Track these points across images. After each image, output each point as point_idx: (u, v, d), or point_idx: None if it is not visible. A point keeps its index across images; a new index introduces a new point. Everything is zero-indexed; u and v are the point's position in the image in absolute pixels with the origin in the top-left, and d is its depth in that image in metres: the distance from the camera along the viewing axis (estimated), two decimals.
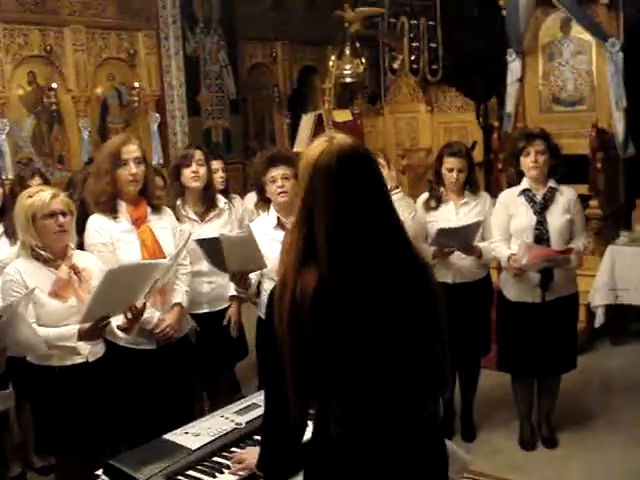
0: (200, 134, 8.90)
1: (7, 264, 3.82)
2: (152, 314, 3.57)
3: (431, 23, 8.31)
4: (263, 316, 3.87)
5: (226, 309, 4.18)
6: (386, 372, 1.81)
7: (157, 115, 8.71)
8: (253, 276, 3.78)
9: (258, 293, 3.97)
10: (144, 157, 3.70)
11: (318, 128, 7.09)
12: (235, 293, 4.10)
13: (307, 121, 7.21)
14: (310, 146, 1.91)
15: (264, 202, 4.06)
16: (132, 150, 3.61)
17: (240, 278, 3.67)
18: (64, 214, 3.25)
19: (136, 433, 3.44)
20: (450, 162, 4.32)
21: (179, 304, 3.74)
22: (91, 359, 3.31)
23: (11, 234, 4.21)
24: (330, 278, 1.76)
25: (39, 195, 3.24)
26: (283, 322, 1.78)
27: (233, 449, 2.42)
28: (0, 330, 2.60)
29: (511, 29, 7.38)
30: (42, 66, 7.89)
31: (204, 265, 4.02)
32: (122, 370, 3.50)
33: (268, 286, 3.87)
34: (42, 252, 3.25)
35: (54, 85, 7.76)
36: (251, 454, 2.23)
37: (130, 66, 8.65)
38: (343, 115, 7.19)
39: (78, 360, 3.26)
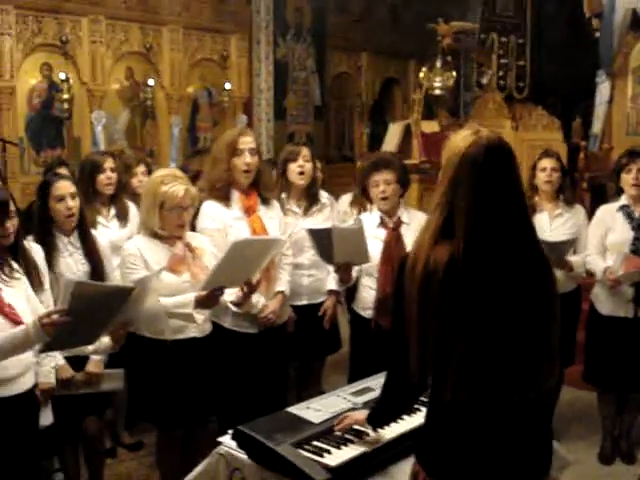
0: (284, 137, 9.09)
1: (118, 245, 4.05)
2: (258, 299, 3.74)
3: (520, 41, 8.35)
4: (361, 312, 4.05)
5: (323, 302, 4.31)
6: (503, 346, 1.92)
7: (245, 117, 8.94)
8: (353, 272, 3.91)
9: (355, 288, 4.10)
10: (258, 150, 3.88)
11: (406, 137, 7.20)
12: (334, 287, 4.23)
13: (395, 130, 7.32)
14: (456, 136, 2.04)
15: (367, 201, 4.21)
16: (248, 141, 3.81)
17: (344, 270, 3.80)
18: (189, 210, 3.43)
19: (232, 410, 3.62)
20: (543, 162, 4.44)
21: (282, 292, 3.91)
22: (200, 335, 3.48)
23: (122, 217, 4.44)
24: (462, 256, 1.90)
25: (174, 187, 3.38)
26: (413, 289, 1.92)
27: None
28: (130, 303, 2.73)
29: (603, 51, 7.40)
30: (140, 63, 8.20)
31: (305, 258, 4.19)
32: (225, 350, 3.68)
33: (367, 282, 4.00)
34: (160, 231, 3.42)
35: (150, 81, 8.02)
36: (358, 413, 2.44)
37: (222, 68, 8.91)
38: (431, 126, 7.29)
39: (190, 334, 3.43)
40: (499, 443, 1.96)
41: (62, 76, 7.18)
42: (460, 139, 2.01)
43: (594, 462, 4.41)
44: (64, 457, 3.77)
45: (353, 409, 2.63)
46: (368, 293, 4.00)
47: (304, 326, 4.22)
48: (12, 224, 3.11)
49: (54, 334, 2.53)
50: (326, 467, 2.25)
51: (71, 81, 7.32)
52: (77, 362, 3.52)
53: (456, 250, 1.90)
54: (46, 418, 3.25)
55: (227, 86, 8.75)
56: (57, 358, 3.38)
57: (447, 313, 1.90)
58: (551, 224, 4.44)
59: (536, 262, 2.00)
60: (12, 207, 3.17)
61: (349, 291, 4.23)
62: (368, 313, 4.00)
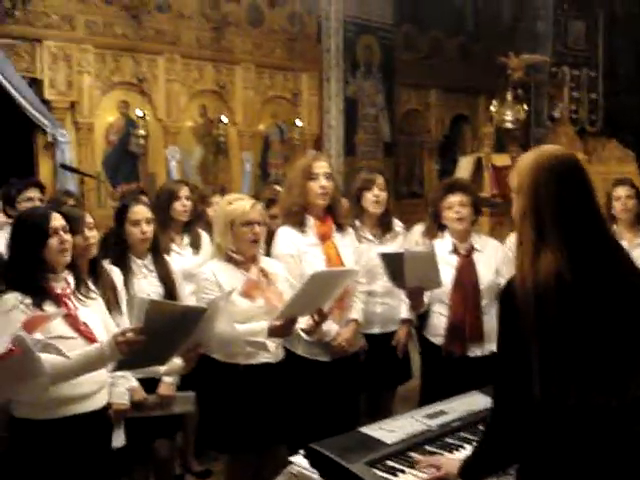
0: (354, 173, 9.11)
1: (191, 273, 4.10)
2: (331, 327, 3.71)
3: (593, 74, 8.24)
4: (432, 338, 3.99)
5: (396, 331, 4.26)
6: (614, 353, 1.91)
7: (314, 152, 8.99)
8: (424, 298, 3.86)
9: (427, 315, 4.05)
10: (333, 176, 3.90)
11: (476, 171, 7.14)
12: (407, 316, 4.18)
13: (466, 163, 7.28)
14: (524, 156, 2.10)
15: (439, 229, 4.17)
16: (323, 165, 3.84)
17: (416, 296, 3.75)
18: (259, 224, 3.45)
19: (303, 438, 3.58)
20: (618, 190, 4.36)
21: (355, 320, 3.88)
22: (273, 361, 3.47)
23: (195, 245, 4.50)
24: (567, 263, 1.91)
25: (240, 203, 3.45)
26: (529, 304, 1.89)
27: (427, 447, 2.47)
28: (202, 324, 2.74)
29: None
30: (213, 100, 8.38)
31: (379, 286, 4.16)
32: (297, 377, 3.65)
33: (438, 309, 3.96)
34: (235, 255, 3.45)
35: (223, 119, 8.18)
36: (450, 463, 2.26)
37: (293, 105, 9.04)
38: (502, 159, 7.21)
39: (263, 360, 3.42)
40: (616, 466, 1.91)
41: (139, 113, 7.39)
42: (527, 157, 2.08)
43: None
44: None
45: (427, 431, 2.57)
46: (439, 320, 3.95)
47: (376, 355, 4.17)
48: (92, 235, 3.20)
49: (128, 353, 2.57)
50: None
51: (147, 118, 7.52)
52: (149, 384, 3.55)
53: (560, 261, 1.91)
54: (119, 439, 3.27)
55: (298, 123, 8.85)
56: (131, 380, 3.43)
57: (566, 321, 1.90)
58: (631, 253, 4.30)
59: (632, 271, 2.03)
60: (90, 219, 3.27)
61: (420, 319, 4.19)
62: (439, 340, 3.95)
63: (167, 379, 3.55)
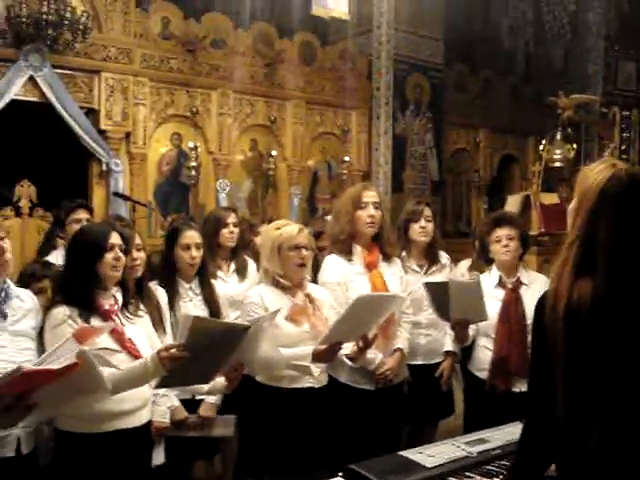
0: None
1: (236, 300, 4.15)
2: (375, 355, 3.71)
3: None
4: (477, 372, 3.95)
5: (439, 363, 4.23)
6: None
7: None
8: (470, 331, 3.84)
9: (471, 349, 4.01)
10: (382, 205, 3.93)
11: (524, 210, 7.10)
12: (451, 348, 4.15)
13: (514, 201, 7.25)
14: (592, 169, 1.99)
15: (485, 262, 4.16)
16: (372, 195, 3.88)
17: (461, 327, 3.73)
18: (306, 248, 3.48)
19: (343, 465, 3.56)
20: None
21: (400, 349, 3.86)
22: (317, 386, 3.47)
23: (241, 272, 4.54)
24: (606, 290, 1.83)
25: (287, 228, 3.49)
26: (558, 327, 1.85)
27: (467, 473, 2.44)
28: (245, 343, 2.77)
29: None
30: (264, 135, 8.52)
31: (424, 317, 4.15)
32: (340, 404, 3.64)
33: (483, 342, 3.93)
34: (282, 280, 3.48)
35: (274, 153, 8.30)
36: None
37: (342, 141, 9.14)
38: (550, 198, 7.17)
39: (306, 384, 3.43)
40: None
41: (191, 145, 7.55)
42: (597, 172, 1.94)
43: None
44: None
45: (467, 457, 2.54)
46: (484, 353, 3.91)
47: (418, 387, 4.14)
48: (140, 257, 3.27)
49: (171, 369, 2.60)
50: None
51: (199, 150, 7.66)
52: (191, 405, 3.58)
53: (600, 286, 1.84)
54: (158, 457, 3.31)
55: (346, 159, 8.93)
56: (172, 399, 3.46)
57: (595, 351, 1.83)
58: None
59: None
60: (139, 241, 3.34)
61: (464, 353, 4.16)
62: (484, 374, 3.90)
63: (209, 399, 3.57)
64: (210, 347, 2.63)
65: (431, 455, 2.53)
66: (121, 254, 2.92)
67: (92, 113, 7.23)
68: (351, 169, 9.04)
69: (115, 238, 2.92)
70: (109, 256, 2.86)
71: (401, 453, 2.57)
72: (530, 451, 2.02)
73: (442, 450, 2.59)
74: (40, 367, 2.42)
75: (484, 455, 2.56)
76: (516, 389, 3.84)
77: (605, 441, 1.81)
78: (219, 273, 4.39)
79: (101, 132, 7.20)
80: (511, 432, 2.77)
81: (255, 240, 5.02)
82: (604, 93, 8.08)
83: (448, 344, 4.16)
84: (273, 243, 3.47)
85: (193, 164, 7.65)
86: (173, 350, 2.58)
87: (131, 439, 2.90)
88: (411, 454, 2.54)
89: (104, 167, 7.16)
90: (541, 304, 1.95)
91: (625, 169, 1.94)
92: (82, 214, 4.41)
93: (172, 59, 7.64)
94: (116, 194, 6.72)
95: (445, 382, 4.23)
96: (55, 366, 2.32)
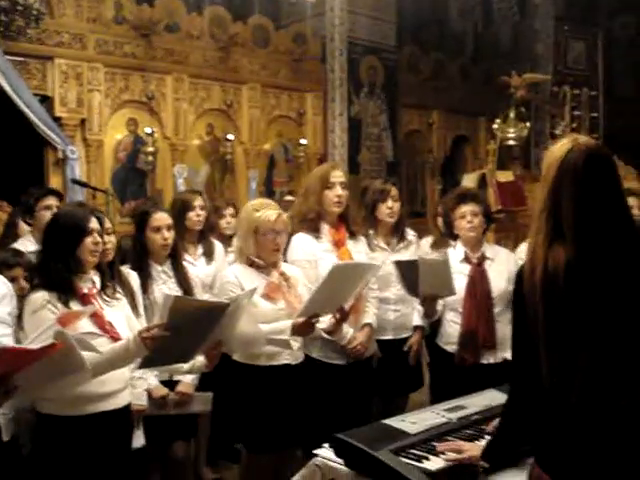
0: (358, 192, 9.20)
1: (204, 282, 4.18)
2: (347, 330, 3.78)
3: (593, 93, 8.38)
4: (445, 346, 4.06)
5: (408, 338, 4.32)
6: (623, 347, 1.93)
7: None
8: (438, 306, 3.94)
9: (439, 324, 4.12)
10: (348, 185, 4.00)
11: (481, 188, 7.23)
12: (419, 323, 4.25)
13: (470, 180, 7.39)
14: (555, 145, 2.11)
15: (451, 238, 4.26)
16: (339, 175, 3.95)
17: (430, 303, 3.83)
18: (282, 234, 3.54)
19: (317, 439, 3.63)
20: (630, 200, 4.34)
21: (369, 324, 3.96)
22: (293, 362, 3.53)
23: (209, 255, 4.57)
24: (577, 256, 1.95)
25: (266, 212, 3.52)
26: (536, 292, 1.96)
27: (449, 437, 2.53)
28: (225, 321, 2.81)
29: None
30: (220, 119, 8.48)
31: (392, 293, 4.24)
32: (313, 380, 3.71)
33: (451, 317, 4.03)
34: (256, 260, 3.53)
35: (230, 137, 8.28)
36: (472, 447, 2.35)
37: (298, 124, 9.14)
38: (506, 175, 7.32)
39: (283, 361, 3.49)
40: (622, 449, 1.94)
41: (148, 130, 7.48)
42: (559, 146, 2.07)
43: None
44: None
45: (448, 423, 2.63)
46: (452, 328, 4.03)
47: (388, 361, 4.24)
48: (111, 240, 3.28)
49: (153, 349, 2.63)
50: (426, 472, 2.25)
51: (155, 135, 7.61)
52: (168, 385, 3.62)
53: (570, 253, 1.95)
54: (138, 440, 3.34)
55: (303, 142, 8.95)
56: (150, 380, 3.49)
57: (573, 311, 1.94)
58: None
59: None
60: (109, 225, 3.35)
61: (432, 328, 4.26)
62: (452, 348, 4.02)
63: (186, 378, 3.61)
64: (190, 326, 2.66)
65: (413, 422, 2.62)
66: (99, 238, 2.93)
67: (46, 100, 7.11)
68: (307, 152, 9.06)
69: (94, 222, 2.94)
70: (89, 240, 2.88)
71: (384, 421, 2.66)
72: (516, 412, 2.13)
73: (423, 417, 2.68)
74: (18, 346, 2.44)
75: (464, 420, 2.67)
76: (484, 361, 3.96)
77: (584, 395, 1.93)
78: (187, 256, 4.40)
79: (56, 119, 7.08)
80: (487, 398, 2.88)
81: (220, 223, 5.05)
82: (554, 72, 8.27)
83: (416, 319, 4.26)
84: (250, 225, 3.51)
85: (150, 149, 7.57)
86: (154, 330, 2.61)
87: (112, 421, 2.93)
88: (394, 422, 2.63)
89: (60, 155, 7.04)
90: (519, 273, 2.06)
91: (585, 143, 2.05)
92: (52, 200, 4.37)
93: (126, 44, 7.53)
94: (74, 181, 6.63)
95: (413, 357, 4.33)
96: (34, 346, 2.33)
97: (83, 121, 7.30)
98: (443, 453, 2.36)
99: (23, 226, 4.62)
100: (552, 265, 1.95)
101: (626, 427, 1.94)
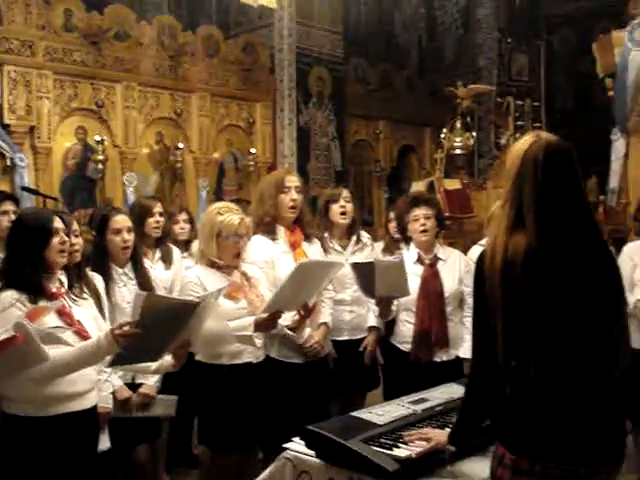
0: (307, 200, 9.30)
1: (163, 287, 4.22)
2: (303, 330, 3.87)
3: (536, 104, 8.67)
4: (399, 345, 4.17)
5: (364, 339, 4.42)
6: (580, 328, 2.08)
7: None
8: (392, 307, 4.05)
9: (393, 323, 4.23)
10: (302, 189, 4.09)
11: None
12: (374, 324, 4.35)
13: (419, 187, 7.55)
14: (519, 141, 2.26)
15: (404, 240, 4.39)
16: (294, 180, 4.05)
17: (385, 304, 3.94)
18: (244, 238, 3.60)
19: (275, 439, 3.70)
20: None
21: (325, 324, 4.07)
22: (255, 361, 3.60)
23: (167, 260, 4.61)
24: (537, 243, 2.08)
25: (229, 216, 3.57)
26: (496, 277, 2.09)
27: (416, 428, 2.63)
28: (193, 320, 2.86)
29: (617, 109, 7.66)
30: (170, 127, 8.49)
31: (347, 295, 4.35)
32: (272, 379, 3.78)
33: (404, 317, 4.15)
34: (218, 261, 3.59)
35: (180, 145, 8.30)
36: (438, 433, 2.46)
37: (247, 133, 9.20)
38: (453, 183, 7.52)
39: (245, 359, 3.55)
40: (576, 421, 2.07)
41: (97, 138, 7.46)
42: (522, 142, 2.22)
43: None
44: None
45: (413, 415, 2.73)
46: (406, 327, 4.14)
47: (345, 362, 4.33)
48: (78, 242, 3.31)
49: (124, 346, 2.67)
50: (396, 459, 2.34)
51: (105, 143, 7.58)
52: (131, 388, 3.65)
53: (531, 240, 2.07)
54: (103, 442, 3.35)
55: (252, 151, 9.02)
56: (114, 382, 3.51)
57: (529, 297, 2.06)
58: None
59: (601, 252, 2.18)
60: (76, 227, 3.38)
61: (386, 328, 4.36)
62: (406, 347, 4.13)
63: (149, 380, 3.64)
64: (161, 324, 2.71)
65: (380, 414, 2.71)
66: (66, 237, 2.95)
67: None
68: (257, 161, 9.12)
69: (58, 222, 2.95)
70: (55, 240, 2.89)
71: (352, 414, 2.75)
72: (478, 392, 2.26)
73: (389, 409, 2.78)
74: None
75: (428, 411, 2.78)
76: (437, 359, 4.09)
77: (539, 374, 2.07)
78: (145, 261, 4.43)
79: (4, 126, 7.01)
80: (448, 392, 3.00)
81: (174, 228, 5.09)
82: (498, 84, 8.52)
83: (372, 320, 4.36)
84: (212, 228, 3.56)
85: (100, 158, 7.54)
86: (126, 327, 2.65)
87: (79, 422, 2.94)
88: (362, 414, 2.72)
89: (8, 162, 6.98)
90: (481, 259, 2.19)
91: (545, 137, 2.20)
92: (9, 206, 4.35)
93: (76, 51, 7.49)
94: (24, 188, 6.57)
95: (369, 356, 4.42)
96: None
97: (32, 128, 7.24)
98: (412, 442, 2.46)
99: None
100: (512, 251, 2.08)
101: (579, 401, 2.08)
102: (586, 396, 2.09)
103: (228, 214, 3.57)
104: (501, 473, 2.10)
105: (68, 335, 2.83)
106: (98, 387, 3.19)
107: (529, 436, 2.08)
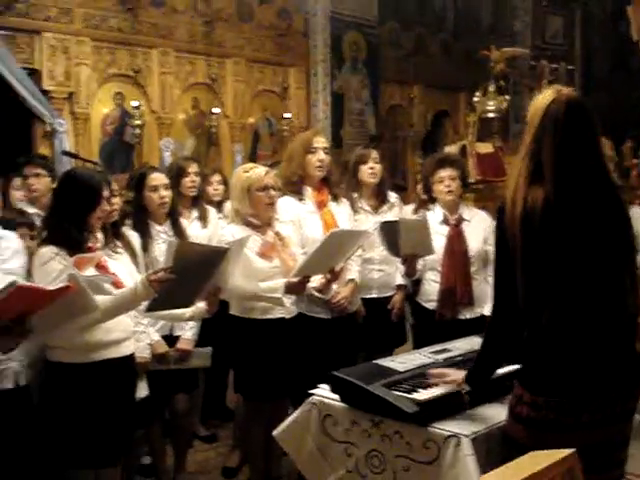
0: (341, 165, 9.37)
1: None
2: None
3: (570, 67, 8.59)
4: (425, 304, 4.27)
5: (392, 296, 4.54)
6: (593, 274, 2.21)
7: None
8: (418, 266, 4.15)
9: (420, 282, 4.33)
10: (330, 150, 4.20)
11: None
12: (401, 282, 4.46)
13: (451, 151, 7.55)
14: (540, 95, 2.33)
15: (430, 201, 4.47)
16: (322, 141, 4.15)
17: (410, 262, 4.04)
18: (274, 189, 3.73)
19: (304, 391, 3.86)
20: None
21: (353, 280, 4.18)
22: (287, 316, 3.74)
23: (203, 219, 4.74)
24: (555, 196, 2.20)
25: (255, 170, 3.73)
26: (515, 227, 2.22)
27: None
28: (223, 266, 2.99)
29: None
30: (205, 93, 8.61)
31: (376, 254, 4.46)
32: (300, 333, 3.92)
33: (430, 276, 4.24)
34: (252, 219, 3.72)
35: (215, 111, 8.42)
36: (457, 372, 2.57)
37: (282, 99, 9.29)
38: (485, 147, 7.51)
39: (278, 315, 3.70)
40: (589, 359, 2.21)
41: (134, 104, 7.61)
42: (543, 97, 2.31)
43: None
44: (152, 434, 3.98)
45: (434, 363, 2.85)
46: (431, 286, 4.23)
47: (373, 318, 4.46)
48: (117, 202, 3.46)
49: (158, 291, 2.82)
50: (415, 401, 2.47)
51: (142, 109, 7.73)
52: (169, 341, 3.81)
53: (549, 193, 2.19)
54: (142, 391, 3.52)
55: (286, 116, 9.10)
56: (152, 335, 3.68)
57: (545, 246, 2.19)
58: None
59: (615, 207, 2.28)
60: (115, 187, 3.53)
61: (413, 286, 4.46)
62: (432, 305, 4.22)
63: (186, 335, 3.81)
64: (193, 270, 2.87)
65: (402, 362, 2.84)
66: (108, 206, 3.12)
67: (34, 74, 7.20)
68: (291, 125, 9.20)
69: (107, 190, 3.11)
70: (103, 206, 3.05)
71: (375, 362, 2.88)
72: (497, 333, 2.39)
73: (411, 358, 2.91)
74: (34, 284, 2.62)
75: (449, 361, 2.89)
76: (462, 316, 4.18)
77: (553, 318, 2.21)
78: (182, 220, 4.58)
79: (44, 92, 7.19)
80: (469, 343, 3.11)
81: (208, 189, 5.22)
82: (533, 47, 8.45)
83: (399, 278, 4.48)
84: (242, 185, 3.70)
85: (137, 123, 7.69)
86: (161, 274, 2.80)
87: (119, 369, 3.11)
88: (385, 362, 2.86)
89: (48, 128, 7.16)
90: (501, 209, 2.30)
91: (566, 94, 2.28)
92: (40, 169, 4.53)
93: (112, 18, 7.63)
94: (65, 152, 6.75)
95: (396, 314, 4.55)
96: (49, 287, 2.52)
97: (71, 94, 7.41)
98: (430, 386, 2.58)
99: (15, 194, 4.75)
100: (531, 202, 2.20)
101: (590, 344, 2.22)
102: (596, 338, 2.21)
103: (253, 170, 3.71)
104: (520, 409, 2.27)
105: (107, 286, 2.99)
106: (135, 338, 3.37)
107: (544, 376, 2.22)
